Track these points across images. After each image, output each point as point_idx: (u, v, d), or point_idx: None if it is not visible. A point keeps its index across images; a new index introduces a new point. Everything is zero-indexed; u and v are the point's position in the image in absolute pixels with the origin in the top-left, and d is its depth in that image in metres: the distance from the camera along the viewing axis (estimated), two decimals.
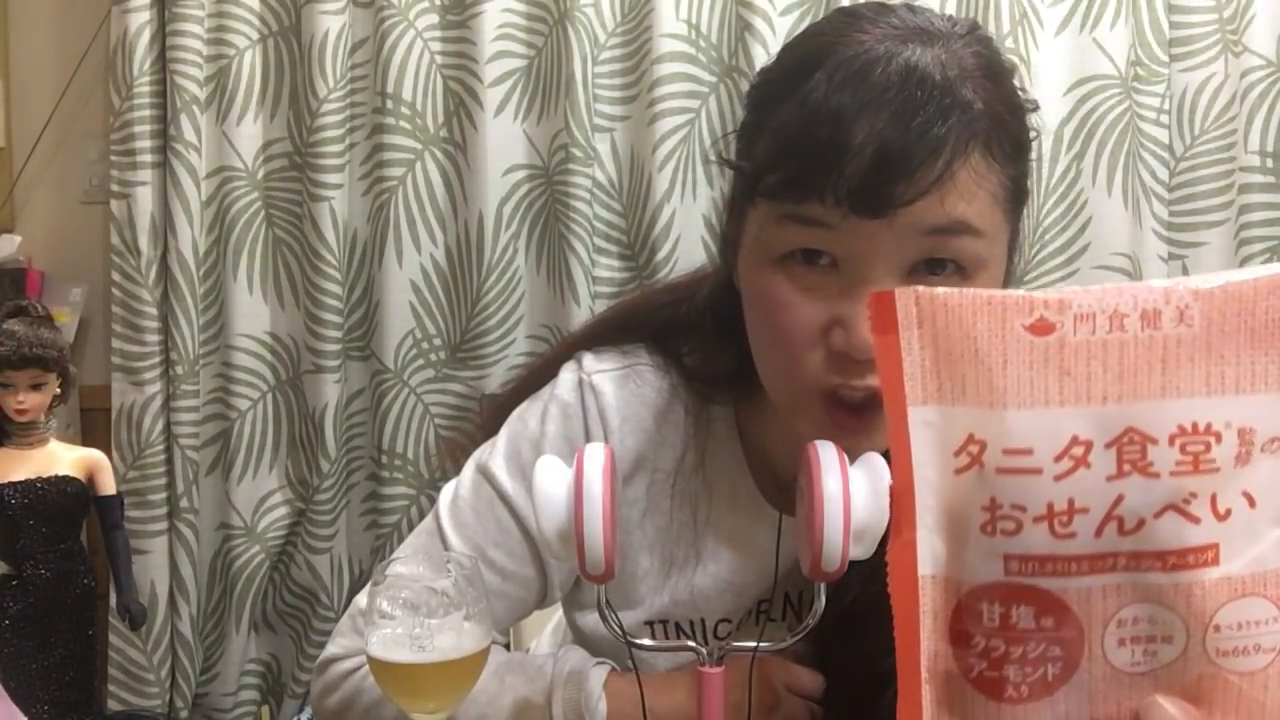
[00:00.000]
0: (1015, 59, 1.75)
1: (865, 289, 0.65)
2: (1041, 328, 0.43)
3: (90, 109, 2.07)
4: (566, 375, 0.84)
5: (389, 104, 1.87)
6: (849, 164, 0.64)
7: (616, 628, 0.70)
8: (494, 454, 0.84)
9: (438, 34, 1.88)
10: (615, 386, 0.82)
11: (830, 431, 0.67)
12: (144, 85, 1.90)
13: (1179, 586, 0.43)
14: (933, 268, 0.67)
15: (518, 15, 1.86)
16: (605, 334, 0.88)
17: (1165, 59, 1.78)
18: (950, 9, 1.79)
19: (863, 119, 0.64)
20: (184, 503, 1.93)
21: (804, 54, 0.70)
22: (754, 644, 0.69)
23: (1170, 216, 1.80)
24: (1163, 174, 1.79)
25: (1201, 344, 0.42)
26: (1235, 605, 0.43)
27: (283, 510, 1.97)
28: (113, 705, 1.93)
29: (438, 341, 1.93)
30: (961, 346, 0.44)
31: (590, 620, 0.87)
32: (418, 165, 1.89)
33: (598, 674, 0.78)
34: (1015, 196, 0.70)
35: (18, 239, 2.06)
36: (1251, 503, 0.43)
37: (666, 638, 0.84)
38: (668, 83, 1.80)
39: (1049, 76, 1.77)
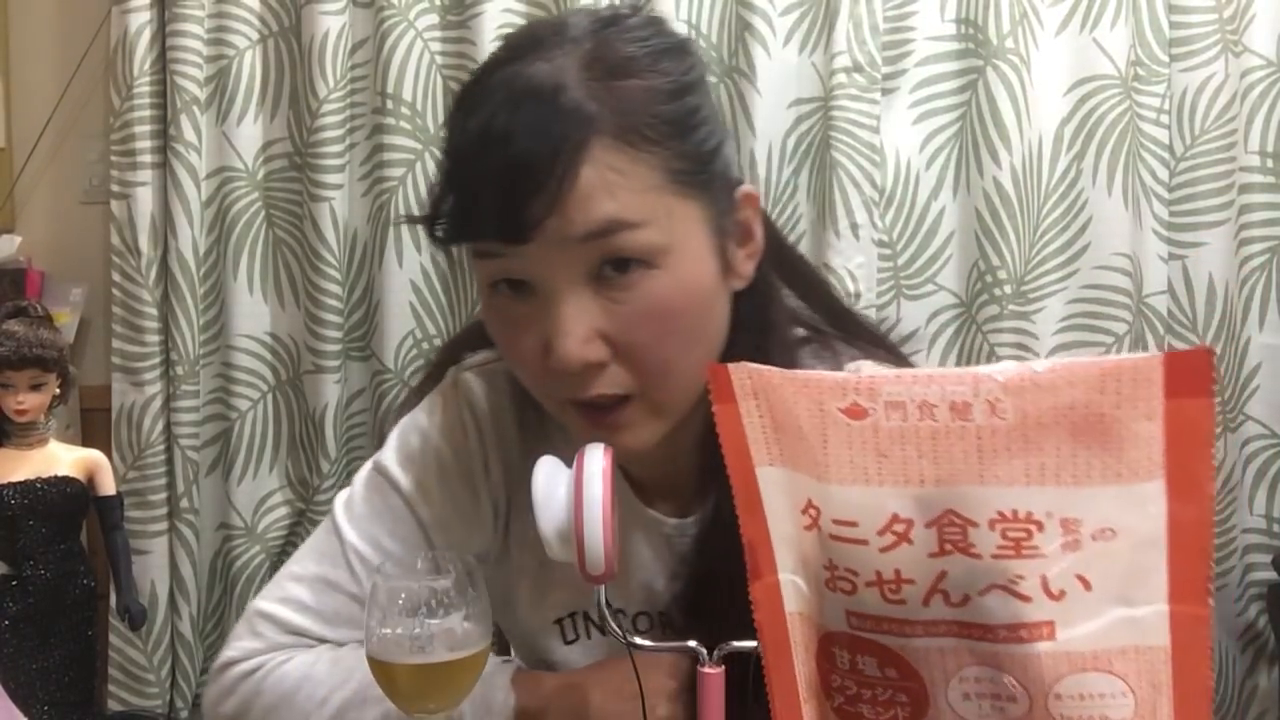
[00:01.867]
0: (1017, 58, 1.75)
1: (558, 307, 0.68)
2: (856, 412, 0.43)
3: (90, 109, 2.07)
4: (450, 370, 0.88)
5: (389, 104, 1.87)
6: (482, 198, 0.67)
7: (616, 627, 0.70)
8: (385, 449, 0.87)
9: (438, 34, 1.88)
10: (479, 381, 0.86)
11: (591, 432, 0.71)
12: (144, 85, 1.90)
13: (1014, 656, 0.42)
14: (617, 266, 0.68)
15: (518, 15, 1.86)
16: (469, 339, 0.91)
17: (1165, 59, 1.78)
18: (950, 10, 1.79)
19: (484, 152, 0.66)
20: (184, 503, 1.93)
21: (461, 92, 0.73)
22: (754, 643, 0.69)
23: (1170, 216, 1.80)
24: (1163, 174, 1.79)
25: (1018, 435, 0.41)
26: (1076, 679, 0.42)
27: (283, 510, 1.97)
28: (113, 705, 1.93)
29: (438, 341, 1.93)
30: (788, 421, 0.45)
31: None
32: (418, 165, 1.89)
33: (504, 670, 0.79)
34: (689, 169, 0.70)
35: (18, 239, 2.06)
36: (1087, 585, 0.42)
37: (575, 631, 0.86)
38: None
39: (1049, 76, 1.77)
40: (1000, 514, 0.41)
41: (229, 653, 0.84)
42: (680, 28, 1.80)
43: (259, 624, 0.84)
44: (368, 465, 0.87)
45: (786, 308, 0.82)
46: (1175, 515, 0.41)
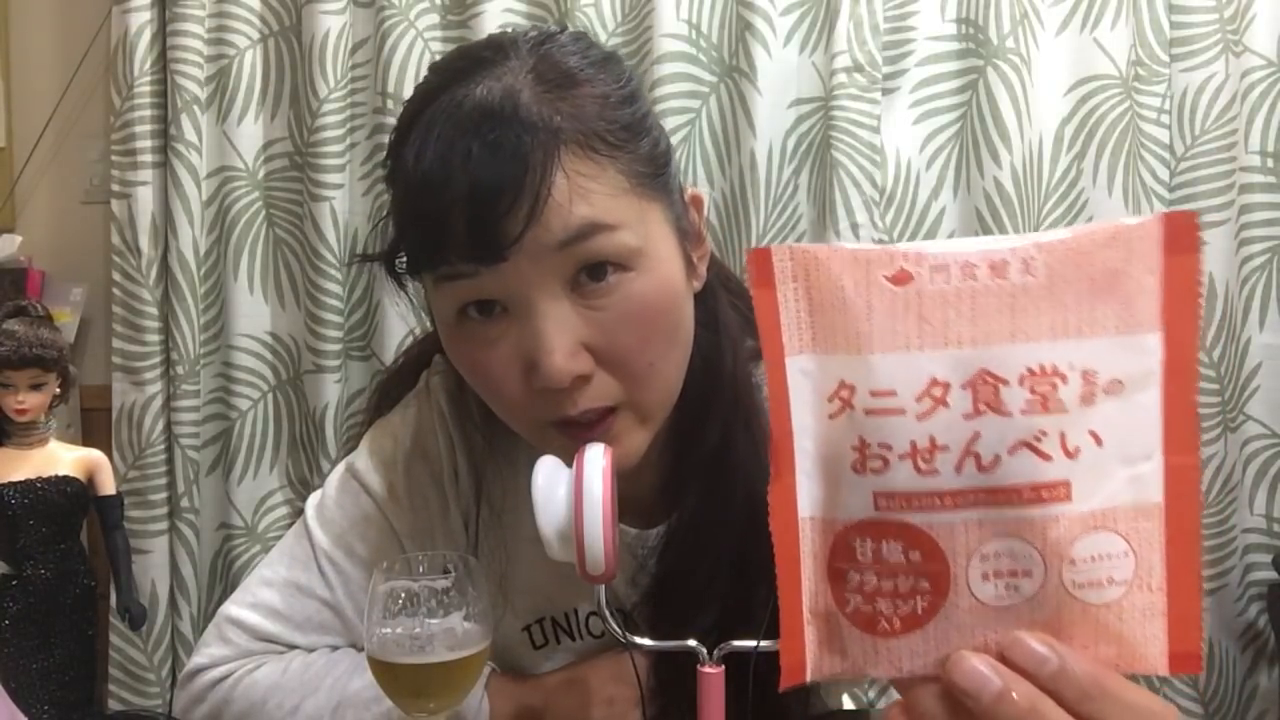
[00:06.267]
0: (1018, 58, 1.75)
1: (539, 322, 0.67)
2: (901, 278, 0.46)
3: (91, 109, 2.08)
4: (423, 374, 0.89)
5: (389, 104, 1.87)
6: (453, 222, 0.65)
7: (616, 628, 0.70)
8: (358, 452, 0.87)
9: (438, 34, 1.88)
10: (451, 385, 0.86)
11: (575, 449, 0.68)
12: (144, 85, 1.90)
13: (1035, 520, 0.45)
14: (593, 273, 0.67)
15: (518, 15, 1.86)
16: (429, 346, 0.91)
17: (1166, 59, 1.78)
18: (950, 10, 1.79)
19: (449, 175, 0.65)
20: (184, 502, 1.94)
21: (401, 123, 0.71)
22: (754, 643, 0.69)
23: None
24: (1163, 174, 1.79)
25: (1045, 292, 0.45)
26: (1088, 539, 0.46)
27: (283, 510, 1.97)
28: (113, 705, 1.93)
29: None
30: (831, 297, 0.47)
31: None
32: None
33: (480, 675, 0.79)
34: (649, 172, 0.71)
35: (18, 239, 2.06)
36: (1098, 441, 0.45)
37: (544, 636, 0.86)
38: (668, 83, 1.80)
39: (1049, 76, 1.77)
40: (1029, 369, 0.45)
41: (198, 659, 0.84)
42: (681, 28, 1.80)
43: (228, 630, 0.83)
44: (340, 467, 0.87)
45: (729, 307, 0.82)
46: (1169, 365, 0.46)
